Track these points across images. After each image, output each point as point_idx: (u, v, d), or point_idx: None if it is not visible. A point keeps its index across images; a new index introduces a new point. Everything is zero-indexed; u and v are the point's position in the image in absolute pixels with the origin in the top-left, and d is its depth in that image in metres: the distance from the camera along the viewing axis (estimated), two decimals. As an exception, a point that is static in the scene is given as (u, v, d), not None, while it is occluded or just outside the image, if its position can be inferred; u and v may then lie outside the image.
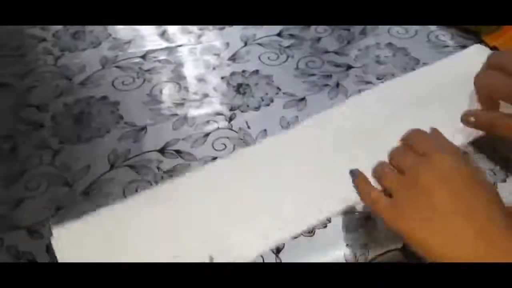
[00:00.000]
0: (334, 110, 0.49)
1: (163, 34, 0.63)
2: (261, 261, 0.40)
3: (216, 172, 0.44)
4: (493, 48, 0.57)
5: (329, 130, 0.47)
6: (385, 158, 0.40)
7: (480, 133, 0.43)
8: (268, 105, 0.53)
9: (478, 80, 0.44)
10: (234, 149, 0.48)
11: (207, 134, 0.50)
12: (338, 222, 0.42)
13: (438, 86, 0.49)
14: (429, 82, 0.51)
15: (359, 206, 0.42)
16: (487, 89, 0.43)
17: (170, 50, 0.61)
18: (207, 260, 0.38)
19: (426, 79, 0.52)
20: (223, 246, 0.39)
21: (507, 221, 0.33)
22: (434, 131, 0.41)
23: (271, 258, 0.40)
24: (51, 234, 0.39)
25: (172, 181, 0.44)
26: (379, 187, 0.39)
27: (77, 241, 0.39)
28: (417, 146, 0.39)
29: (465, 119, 0.44)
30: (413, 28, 0.61)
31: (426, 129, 0.41)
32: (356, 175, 0.40)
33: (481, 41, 0.59)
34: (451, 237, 0.33)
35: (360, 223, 0.42)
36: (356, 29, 0.62)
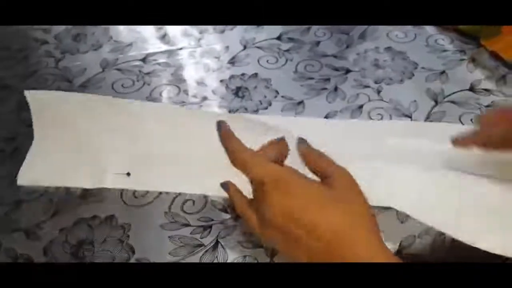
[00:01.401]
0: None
1: (163, 37, 0.63)
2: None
3: (184, 117, 0.48)
4: (492, 52, 0.57)
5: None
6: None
7: None
8: (266, 108, 0.53)
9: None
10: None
11: (205, 138, 0.50)
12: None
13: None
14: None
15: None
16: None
17: (170, 53, 0.61)
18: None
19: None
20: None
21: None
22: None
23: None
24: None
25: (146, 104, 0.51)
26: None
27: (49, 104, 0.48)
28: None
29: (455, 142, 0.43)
30: (412, 32, 0.61)
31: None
32: (228, 188, 0.39)
33: (480, 46, 0.59)
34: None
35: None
36: (355, 33, 0.62)
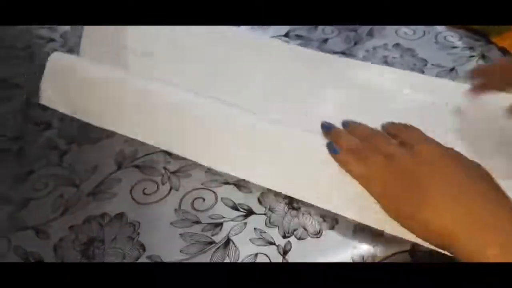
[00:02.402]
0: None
1: (170, 35, 0.63)
2: (268, 261, 0.40)
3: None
4: (501, 49, 0.57)
5: None
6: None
7: None
8: (275, 106, 0.53)
9: None
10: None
11: (214, 135, 0.50)
12: (345, 224, 0.42)
13: None
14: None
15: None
16: None
17: (177, 51, 0.61)
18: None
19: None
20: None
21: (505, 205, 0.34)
22: (411, 126, 0.42)
23: (278, 260, 0.40)
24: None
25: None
26: None
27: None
28: (399, 136, 0.41)
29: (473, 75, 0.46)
30: (421, 29, 0.61)
31: None
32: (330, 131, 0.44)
33: (489, 42, 0.58)
34: (455, 220, 0.33)
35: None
36: (364, 30, 0.62)
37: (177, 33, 0.58)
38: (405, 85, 0.52)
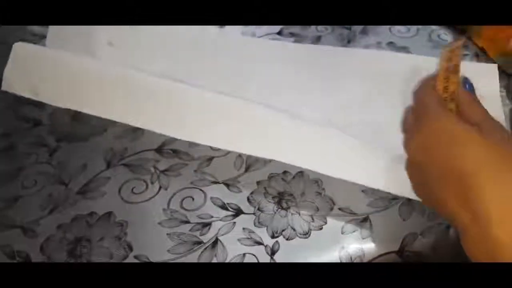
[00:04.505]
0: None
1: (162, 32, 0.62)
2: (256, 261, 0.39)
3: None
4: (482, 49, 0.56)
5: None
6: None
7: None
8: (266, 104, 0.52)
9: None
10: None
11: (204, 134, 0.50)
12: (333, 224, 0.41)
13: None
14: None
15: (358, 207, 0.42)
16: None
17: (169, 48, 0.60)
18: None
19: None
20: None
21: None
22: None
23: (265, 260, 0.39)
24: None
25: None
26: None
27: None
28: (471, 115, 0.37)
29: None
30: (414, 27, 0.61)
31: None
32: None
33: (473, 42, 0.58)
34: None
35: (356, 225, 0.41)
36: (357, 28, 0.61)
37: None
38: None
